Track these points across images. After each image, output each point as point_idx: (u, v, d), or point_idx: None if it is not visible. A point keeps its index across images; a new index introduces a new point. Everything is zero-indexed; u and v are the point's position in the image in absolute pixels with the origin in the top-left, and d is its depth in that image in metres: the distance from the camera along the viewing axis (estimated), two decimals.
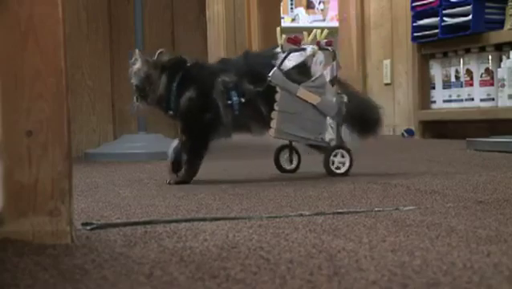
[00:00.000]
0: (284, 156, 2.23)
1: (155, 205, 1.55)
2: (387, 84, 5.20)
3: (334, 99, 2.06)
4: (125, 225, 1.27)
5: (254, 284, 0.82)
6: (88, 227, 1.24)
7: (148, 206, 1.52)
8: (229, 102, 2.00)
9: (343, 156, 2.08)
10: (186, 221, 1.30)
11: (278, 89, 2.02)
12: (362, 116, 2.16)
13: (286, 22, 7.71)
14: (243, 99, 2.00)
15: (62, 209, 1.09)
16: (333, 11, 8.11)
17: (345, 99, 2.08)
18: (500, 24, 3.84)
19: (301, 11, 8.26)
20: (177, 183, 2.00)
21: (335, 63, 2.07)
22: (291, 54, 2.05)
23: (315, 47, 2.07)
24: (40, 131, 1.09)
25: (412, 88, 4.57)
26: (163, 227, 1.24)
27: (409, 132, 4.60)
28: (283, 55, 2.04)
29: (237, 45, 6.92)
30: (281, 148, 2.23)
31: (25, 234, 1.08)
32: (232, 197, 1.67)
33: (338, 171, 2.08)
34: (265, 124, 2.04)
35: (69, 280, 0.86)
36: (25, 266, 0.94)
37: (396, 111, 5.10)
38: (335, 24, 7.74)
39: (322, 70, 2.06)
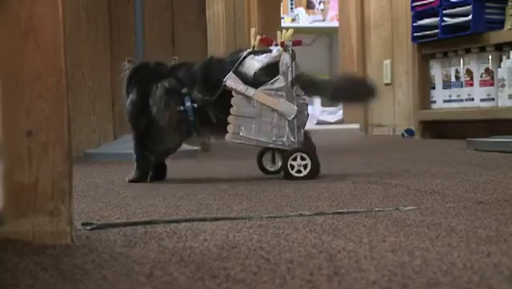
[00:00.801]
0: (267, 158, 2.19)
1: (155, 205, 1.55)
2: (387, 84, 5.20)
3: (294, 102, 2.01)
4: (125, 225, 1.27)
5: (254, 284, 0.82)
6: (88, 227, 1.24)
7: (148, 206, 1.52)
8: (182, 108, 2.01)
9: (303, 159, 2.02)
10: (186, 221, 1.30)
11: (233, 93, 2.00)
12: (354, 86, 2.21)
13: (286, 22, 7.71)
14: (196, 105, 2.01)
15: (63, 209, 1.09)
16: (333, 11, 8.12)
17: (307, 100, 2.05)
18: (500, 24, 3.84)
19: (301, 11, 8.27)
20: (131, 181, 2.06)
21: (294, 63, 2.02)
22: (262, 55, 2.02)
23: (280, 48, 2.02)
24: (40, 131, 1.09)
25: (412, 88, 4.57)
26: (163, 227, 1.24)
27: (409, 132, 4.60)
28: (240, 59, 2.01)
29: (237, 45, 6.91)
30: (264, 150, 2.17)
31: (25, 234, 1.09)
32: (232, 197, 1.67)
33: (298, 175, 2.02)
34: (221, 129, 2.01)
35: (69, 280, 0.86)
36: (25, 266, 0.94)
37: (396, 112, 5.10)
38: (335, 24, 7.75)
39: (287, 72, 2.01)
